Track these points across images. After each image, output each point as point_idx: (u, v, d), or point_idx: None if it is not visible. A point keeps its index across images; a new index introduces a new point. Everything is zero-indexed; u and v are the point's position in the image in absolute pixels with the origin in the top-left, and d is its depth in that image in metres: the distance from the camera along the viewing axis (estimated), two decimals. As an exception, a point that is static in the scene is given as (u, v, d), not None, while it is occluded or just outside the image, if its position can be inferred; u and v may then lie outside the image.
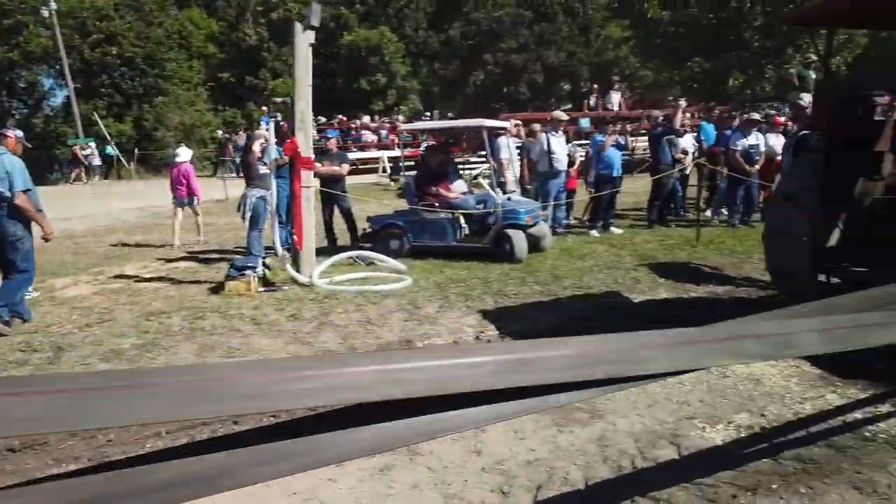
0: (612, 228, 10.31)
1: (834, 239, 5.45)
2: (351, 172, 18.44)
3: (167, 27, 32.61)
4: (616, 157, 10.10)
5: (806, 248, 5.30)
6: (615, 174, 10.06)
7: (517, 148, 11.29)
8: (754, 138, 10.21)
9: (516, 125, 12.30)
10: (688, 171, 10.50)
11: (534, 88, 37.08)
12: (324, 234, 9.78)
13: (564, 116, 10.03)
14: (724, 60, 20.94)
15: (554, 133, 9.94)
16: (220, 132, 27.27)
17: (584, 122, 18.34)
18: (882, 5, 4.75)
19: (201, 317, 6.29)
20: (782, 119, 11.29)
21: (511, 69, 35.55)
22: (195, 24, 34.71)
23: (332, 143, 10.02)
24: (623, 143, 10.20)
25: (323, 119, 25.85)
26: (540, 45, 34.64)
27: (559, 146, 9.88)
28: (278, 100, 9.77)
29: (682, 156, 10.28)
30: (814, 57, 13.42)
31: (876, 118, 5.86)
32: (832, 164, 5.22)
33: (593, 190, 10.29)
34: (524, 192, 10.61)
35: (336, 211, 9.60)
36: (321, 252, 8.67)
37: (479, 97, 37.37)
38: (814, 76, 12.78)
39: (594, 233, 10.08)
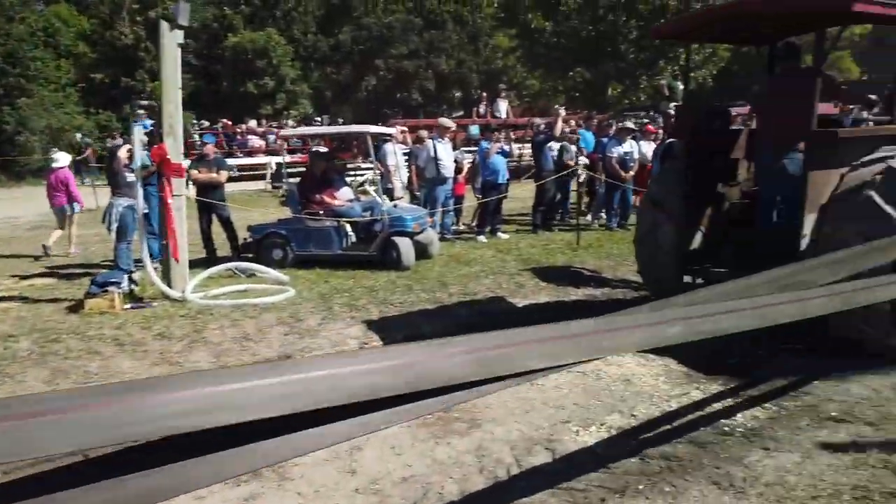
0: (500, 234, 10.47)
1: (697, 242, 5.76)
2: (236, 179, 17.85)
3: (31, 23, 30.06)
4: (501, 163, 10.28)
5: (671, 251, 5.57)
6: (500, 181, 10.23)
7: (405, 154, 11.25)
8: (629, 146, 10.73)
9: (402, 132, 12.27)
10: (582, 178, 10.87)
11: (426, 95, 37.33)
12: (202, 246, 9.28)
13: (450, 123, 10.10)
14: (603, 71, 21.92)
15: (440, 140, 9.97)
16: (78, 135, 25.38)
17: (474, 129, 18.61)
18: (732, 23, 5.08)
19: (55, 339, 5.75)
20: (654, 128, 11.93)
21: (403, 75, 35.61)
22: (63, 21, 32.24)
23: (210, 149, 9.53)
24: (507, 150, 10.41)
25: (206, 123, 24.76)
26: (430, 52, 34.94)
27: (445, 153, 9.92)
28: (143, 102, 9.10)
29: (572, 163, 10.59)
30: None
31: (733, 128, 6.29)
32: (694, 172, 5.52)
33: (481, 196, 10.41)
34: (412, 199, 10.58)
35: (215, 220, 9.13)
36: (199, 264, 8.21)
37: (372, 102, 37.17)
38: (682, 87, 13.62)
39: (481, 238, 10.20)
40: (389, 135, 10.35)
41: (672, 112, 12.18)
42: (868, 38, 52.78)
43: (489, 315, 6.46)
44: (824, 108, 5.58)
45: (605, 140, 11.22)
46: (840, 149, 4.61)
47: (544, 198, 10.89)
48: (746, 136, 5.66)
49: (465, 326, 6.14)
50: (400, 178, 10.34)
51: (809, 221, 4.66)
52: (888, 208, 4.38)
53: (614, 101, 22.79)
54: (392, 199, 9.57)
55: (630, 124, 11.62)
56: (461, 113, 30.45)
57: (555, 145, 10.79)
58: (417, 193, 10.46)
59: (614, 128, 11.34)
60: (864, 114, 5.64)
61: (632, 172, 10.68)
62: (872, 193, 4.48)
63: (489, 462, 3.54)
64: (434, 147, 9.83)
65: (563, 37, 21.33)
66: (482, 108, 19.54)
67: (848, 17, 4.73)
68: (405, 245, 8.16)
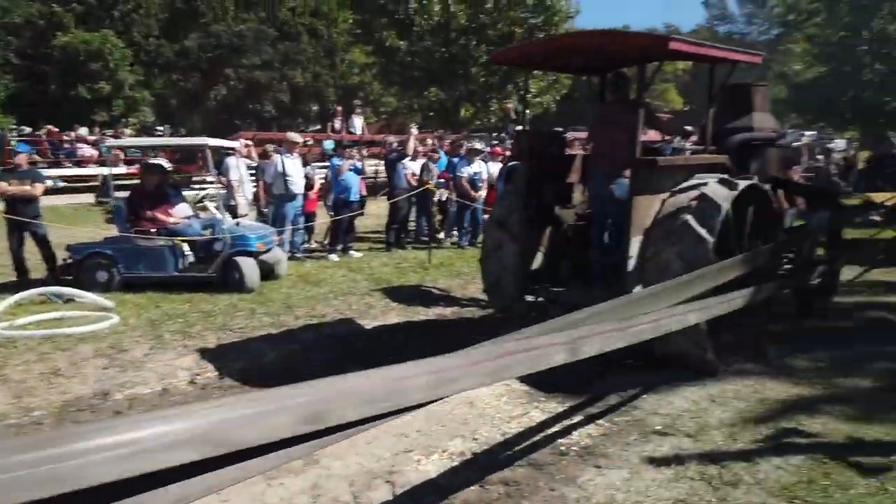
0: (352, 252, 10.26)
1: (538, 262, 5.94)
2: (60, 191, 16.14)
3: None
4: (353, 180, 10.10)
5: (514, 270, 5.69)
6: (352, 198, 10.05)
7: (251, 170, 10.74)
8: (478, 166, 10.99)
9: (247, 145, 11.70)
10: (444, 197, 10.91)
11: (281, 107, 36.25)
12: (12, 268, 8.23)
13: (298, 138, 9.75)
14: (455, 92, 22.47)
15: (288, 154, 9.61)
16: None
17: (328, 145, 18.26)
18: (566, 54, 5.33)
19: None
20: (501, 149, 12.33)
21: (255, 86, 34.34)
22: None
23: (22, 159, 8.48)
24: (360, 167, 10.24)
25: (28, 129, 22.26)
26: (285, 63, 34.01)
27: (294, 168, 9.57)
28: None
29: (432, 183, 10.60)
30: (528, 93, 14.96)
31: (569, 153, 6.58)
32: (534, 194, 5.69)
33: (333, 213, 10.16)
34: (259, 216, 10.10)
35: (29, 239, 8.12)
36: (8, 289, 7.28)
37: (222, 112, 35.47)
38: (528, 111, 14.25)
39: (333, 257, 9.94)
40: (232, 148, 9.81)
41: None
42: (690, 71, 58.81)
43: (337, 338, 6.25)
44: (652, 136, 6.00)
45: (455, 160, 11.42)
46: (660, 176, 4.95)
47: (397, 216, 10.85)
48: (581, 161, 5.93)
49: (311, 350, 5.90)
50: (244, 193, 9.83)
51: (635, 244, 4.94)
52: (702, 231, 4.74)
53: (466, 121, 23.44)
54: (235, 216, 9.05)
55: (479, 145, 11.92)
56: (318, 127, 29.85)
57: (409, 163, 10.80)
58: (265, 210, 10.00)
59: (465, 148, 11.57)
60: (685, 143, 6.13)
61: (482, 192, 10.94)
62: (689, 218, 4.83)
63: (325, 501, 3.34)
64: (282, 162, 9.45)
65: (418, 56, 21.60)
66: (337, 124, 19.25)
67: (666, 55, 5.10)
68: (248, 265, 7.72)
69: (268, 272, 8.24)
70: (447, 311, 7.22)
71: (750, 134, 6.41)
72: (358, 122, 20.05)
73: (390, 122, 33.33)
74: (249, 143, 12.22)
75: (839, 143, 35.67)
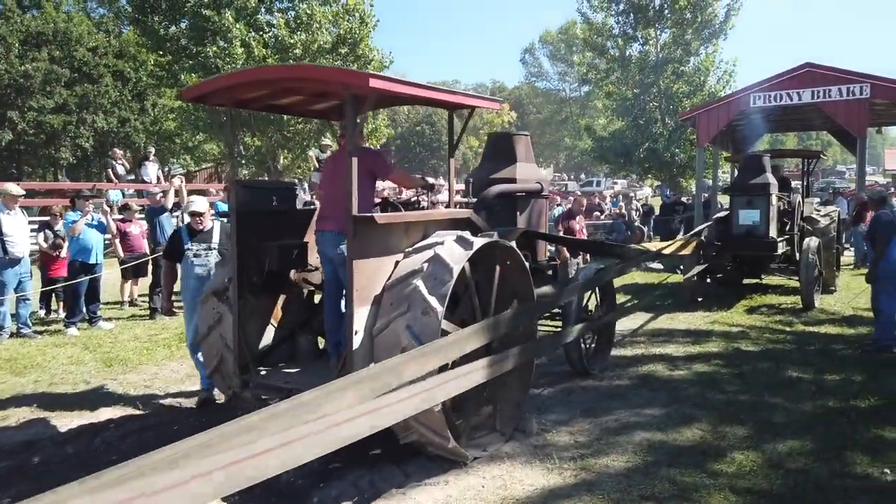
0: (101, 323, 8.64)
1: (269, 336, 4.97)
2: None
3: None
4: (94, 239, 8.51)
5: (235, 347, 4.66)
6: (93, 260, 8.47)
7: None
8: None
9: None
10: None
11: (83, 155, 32.68)
12: None
13: (18, 190, 8.01)
14: (273, 139, 21.41)
15: (8, 211, 7.91)
16: None
17: (114, 196, 16.15)
18: (253, 86, 4.51)
19: None
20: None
21: (48, 131, 30.70)
22: None
23: None
24: (105, 222, 8.65)
25: None
26: (83, 107, 30.83)
27: (14, 226, 7.88)
28: None
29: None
30: (327, 141, 14.20)
31: (304, 206, 5.69)
32: (254, 256, 4.75)
33: (68, 278, 8.49)
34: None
35: None
36: None
37: (7, 159, 31.37)
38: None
39: (72, 331, 8.27)
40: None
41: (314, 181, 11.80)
42: (515, 125, 62.11)
43: (9, 450, 4.80)
44: (405, 186, 5.32)
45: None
46: (387, 235, 4.21)
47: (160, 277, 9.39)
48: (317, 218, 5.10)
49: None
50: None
51: (360, 315, 4.13)
52: (431, 299, 4.04)
53: (285, 169, 22.35)
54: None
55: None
56: (132, 177, 27.07)
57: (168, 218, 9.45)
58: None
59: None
60: (434, 196, 5.51)
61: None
62: (418, 283, 4.12)
63: None
64: (-1, 220, 7.75)
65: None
66: (120, 169, 17.25)
67: (367, 91, 4.37)
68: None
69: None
70: (183, 401, 5.97)
71: (507, 186, 5.97)
72: (152, 170, 18.14)
73: (219, 171, 31.21)
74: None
75: (646, 191, 39.01)
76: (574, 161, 50.64)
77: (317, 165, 14.22)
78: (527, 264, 4.98)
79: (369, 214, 4.07)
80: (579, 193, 22.06)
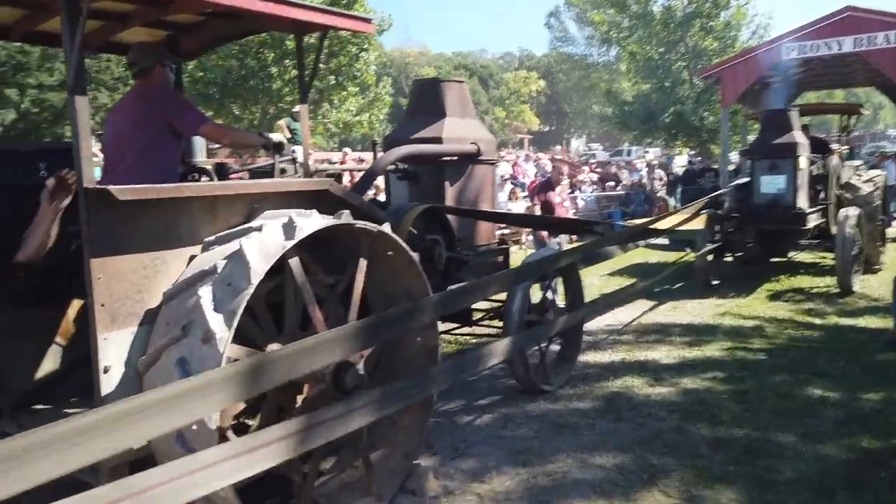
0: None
1: (43, 364, 3.59)
2: None
3: None
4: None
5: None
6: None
7: None
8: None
9: None
10: None
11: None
12: None
13: None
14: (261, 109, 20.28)
15: None
16: None
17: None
18: None
19: None
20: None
21: (53, 110, 29.99)
22: None
23: None
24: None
25: None
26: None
27: None
28: None
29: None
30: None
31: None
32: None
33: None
34: None
35: None
36: None
37: (17, 138, 30.82)
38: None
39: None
40: None
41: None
42: (544, 92, 59.74)
43: None
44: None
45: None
46: (144, 217, 2.71)
47: None
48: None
49: None
50: None
51: (115, 342, 2.70)
52: (214, 318, 2.59)
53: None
54: None
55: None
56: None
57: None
58: None
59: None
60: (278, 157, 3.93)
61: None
62: (203, 292, 2.67)
63: None
64: None
65: (210, 72, 19.09)
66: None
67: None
68: None
69: None
70: None
71: (413, 148, 4.45)
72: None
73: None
74: None
75: (680, 160, 36.49)
76: (603, 130, 48.13)
77: (289, 135, 12.93)
78: (413, 255, 3.47)
79: (102, 187, 2.60)
80: (559, 158, 19.76)
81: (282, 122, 14.43)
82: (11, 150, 3.89)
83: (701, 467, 3.67)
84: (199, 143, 3.96)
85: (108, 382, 2.69)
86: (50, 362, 3.60)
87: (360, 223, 3.14)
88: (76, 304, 3.71)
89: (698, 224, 8.70)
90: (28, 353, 3.51)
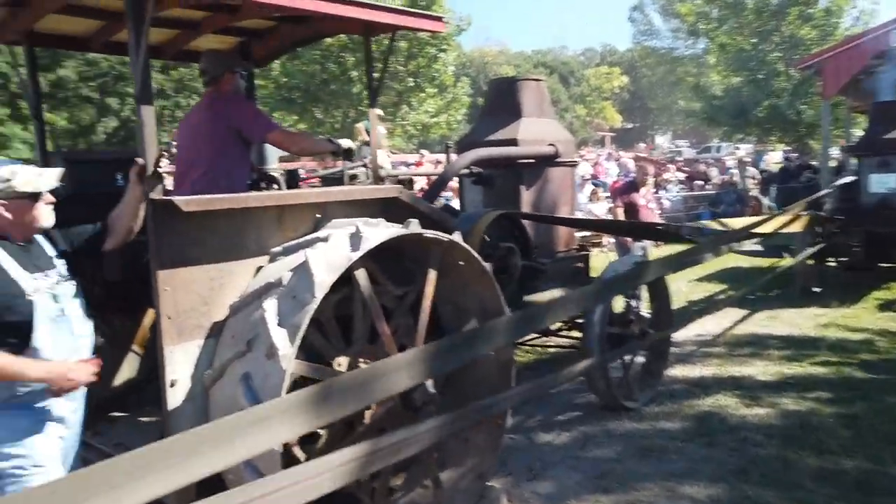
0: None
1: (122, 371, 3.63)
2: None
3: None
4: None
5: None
6: None
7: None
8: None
9: None
10: None
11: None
12: None
13: None
14: (343, 113, 20.57)
15: None
16: None
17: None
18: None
19: None
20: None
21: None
22: None
23: None
24: None
25: None
26: (180, 91, 31.45)
27: None
28: None
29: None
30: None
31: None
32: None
33: None
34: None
35: None
36: None
37: (119, 144, 32.80)
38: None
39: None
40: None
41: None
42: (627, 89, 58.11)
43: None
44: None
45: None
46: (209, 227, 2.65)
47: None
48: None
49: None
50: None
51: (182, 356, 2.66)
52: (277, 333, 2.50)
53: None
54: None
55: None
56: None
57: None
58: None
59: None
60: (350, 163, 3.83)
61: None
62: (268, 306, 2.59)
63: None
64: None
65: (293, 77, 19.56)
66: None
67: None
68: None
69: None
70: None
71: (485, 151, 4.25)
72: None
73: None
74: None
75: (774, 156, 34.43)
76: (690, 126, 46.25)
77: (366, 138, 12.97)
78: (486, 265, 3.28)
79: (168, 198, 2.55)
80: (643, 156, 18.81)
81: (360, 126, 14.52)
82: (93, 159, 3.97)
83: (804, 503, 3.29)
84: (271, 150, 3.93)
85: (175, 396, 2.66)
86: (127, 370, 3.66)
87: (430, 232, 2.99)
88: (152, 313, 3.75)
89: (796, 227, 8.06)
90: (106, 360, 3.56)
